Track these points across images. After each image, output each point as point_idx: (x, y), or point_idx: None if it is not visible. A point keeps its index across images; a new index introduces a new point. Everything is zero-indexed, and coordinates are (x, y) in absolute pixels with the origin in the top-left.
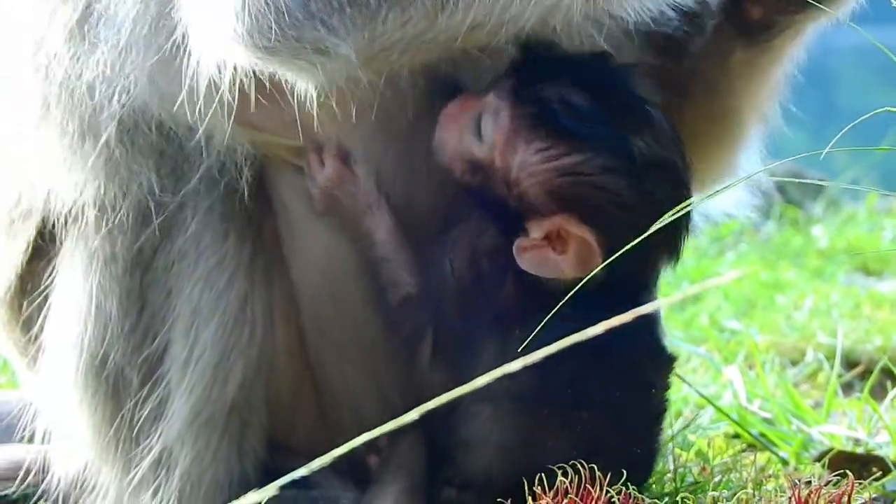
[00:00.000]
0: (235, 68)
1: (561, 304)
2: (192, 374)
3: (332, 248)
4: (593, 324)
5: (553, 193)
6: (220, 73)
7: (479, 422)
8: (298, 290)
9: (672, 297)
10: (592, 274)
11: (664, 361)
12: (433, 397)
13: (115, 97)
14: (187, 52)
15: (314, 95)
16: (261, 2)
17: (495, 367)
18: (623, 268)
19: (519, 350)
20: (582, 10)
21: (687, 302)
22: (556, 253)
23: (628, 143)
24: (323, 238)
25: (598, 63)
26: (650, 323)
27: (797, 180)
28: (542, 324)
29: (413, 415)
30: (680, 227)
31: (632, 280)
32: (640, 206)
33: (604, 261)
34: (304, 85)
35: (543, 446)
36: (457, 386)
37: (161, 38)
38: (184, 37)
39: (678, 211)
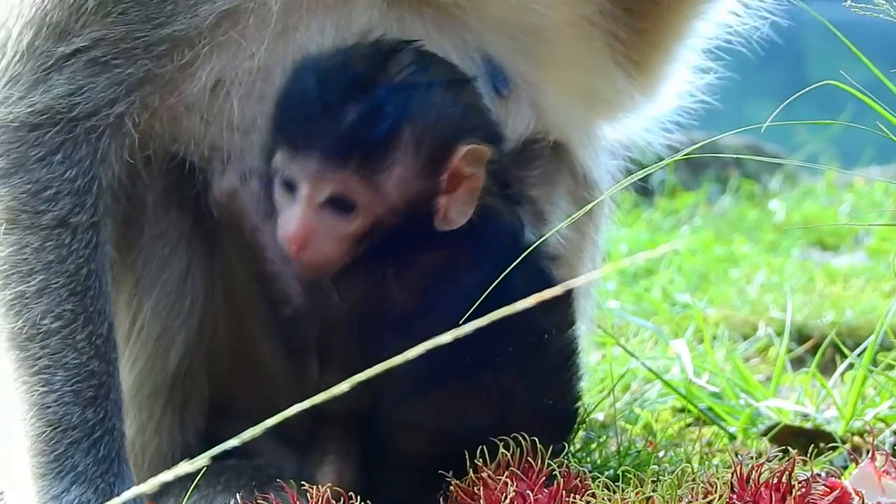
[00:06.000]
0: None
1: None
2: (134, 345)
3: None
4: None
5: (428, 166)
6: None
7: (400, 403)
8: (233, 267)
9: (600, 271)
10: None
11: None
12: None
13: None
14: None
15: None
16: None
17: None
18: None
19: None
20: None
21: (639, 275)
22: (456, 193)
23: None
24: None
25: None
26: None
27: (752, 158)
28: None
29: (344, 386)
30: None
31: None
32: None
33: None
34: None
35: (466, 417)
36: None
37: None
38: None
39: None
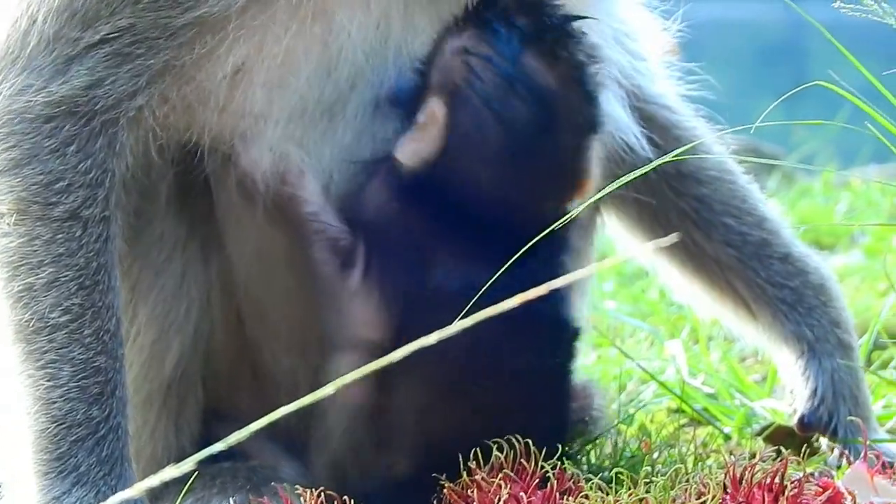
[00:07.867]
0: None
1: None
2: (130, 350)
3: (265, 233)
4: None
5: (441, 74)
6: None
7: (399, 394)
8: (233, 271)
9: (592, 267)
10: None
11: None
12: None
13: None
14: None
15: None
16: None
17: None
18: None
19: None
20: None
21: (636, 276)
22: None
23: (521, 55)
24: (255, 223)
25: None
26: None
27: (747, 160)
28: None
29: (329, 389)
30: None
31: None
32: (501, 116)
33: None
34: None
35: (466, 414)
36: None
37: None
38: None
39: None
